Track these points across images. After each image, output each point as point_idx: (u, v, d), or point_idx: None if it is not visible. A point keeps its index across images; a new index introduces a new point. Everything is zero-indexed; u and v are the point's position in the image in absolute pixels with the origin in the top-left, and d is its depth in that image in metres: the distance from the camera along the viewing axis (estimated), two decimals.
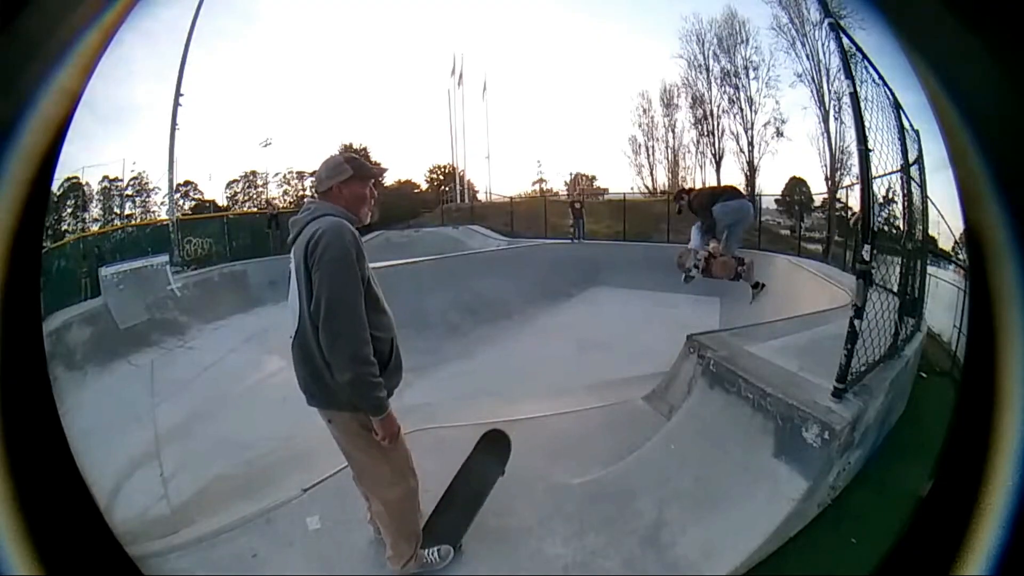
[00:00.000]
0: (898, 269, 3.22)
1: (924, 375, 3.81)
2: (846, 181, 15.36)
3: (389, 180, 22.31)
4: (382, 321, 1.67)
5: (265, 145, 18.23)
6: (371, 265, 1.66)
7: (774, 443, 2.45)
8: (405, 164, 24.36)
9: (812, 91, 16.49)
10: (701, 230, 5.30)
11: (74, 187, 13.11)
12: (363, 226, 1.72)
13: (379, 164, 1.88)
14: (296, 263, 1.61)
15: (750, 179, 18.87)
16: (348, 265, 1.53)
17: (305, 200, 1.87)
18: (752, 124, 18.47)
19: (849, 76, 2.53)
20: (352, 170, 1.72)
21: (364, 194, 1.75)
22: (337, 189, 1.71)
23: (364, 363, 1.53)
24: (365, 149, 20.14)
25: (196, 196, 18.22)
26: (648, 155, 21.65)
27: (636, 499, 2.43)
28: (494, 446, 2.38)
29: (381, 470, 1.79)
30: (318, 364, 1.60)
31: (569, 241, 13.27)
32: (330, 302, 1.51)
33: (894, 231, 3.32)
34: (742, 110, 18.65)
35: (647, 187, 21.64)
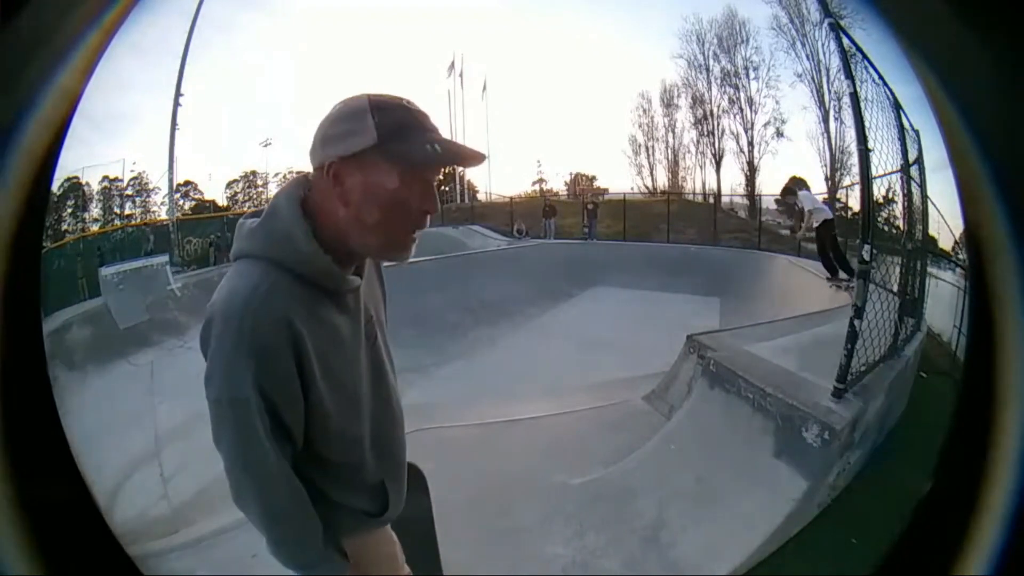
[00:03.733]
0: (898, 269, 3.23)
1: (924, 375, 3.81)
2: (846, 181, 15.40)
3: None
4: (360, 469, 0.91)
5: (265, 145, 18.29)
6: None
7: (774, 443, 2.45)
8: None
9: (812, 91, 16.57)
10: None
11: (74, 187, 13.13)
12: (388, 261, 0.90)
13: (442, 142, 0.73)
14: None
15: (750, 179, 18.93)
16: (234, 419, 0.75)
17: (287, 183, 0.80)
18: (752, 124, 18.55)
19: (849, 76, 2.53)
20: (371, 136, 0.72)
21: (386, 197, 0.75)
22: (330, 174, 0.75)
23: (277, 551, 0.85)
24: None
25: (196, 196, 18.27)
26: (648, 155, 21.76)
27: (636, 499, 2.43)
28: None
29: None
30: None
31: (584, 240, 13.67)
32: (232, 474, 0.81)
33: (894, 231, 3.32)
34: (742, 110, 18.73)
35: (647, 187, 21.72)
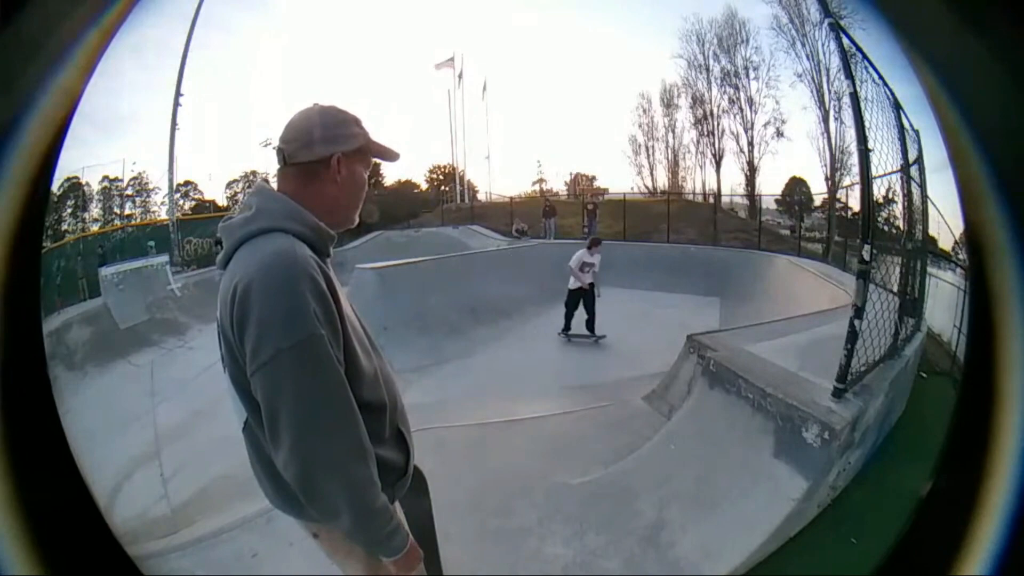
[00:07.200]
0: (898, 269, 3.23)
1: (924, 375, 3.81)
2: (846, 181, 15.40)
3: (389, 180, 22.38)
4: (383, 410, 1.01)
5: (265, 145, 18.26)
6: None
7: (774, 443, 2.45)
8: (405, 164, 24.44)
9: (812, 91, 16.54)
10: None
11: (74, 187, 13.13)
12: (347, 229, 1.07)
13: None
14: (221, 326, 0.88)
15: (750, 179, 18.93)
16: (312, 358, 0.82)
17: (254, 186, 0.99)
18: (752, 124, 18.53)
19: (849, 76, 2.53)
20: (363, 138, 1.00)
21: (364, 181, 1.04)
22: (333, 166, 0.96)
23: (361, 496, 0.89)
24: None
25: (196, 196, 18.27)
26: (648, 155, 21.74)
27: (636, 499, 2.43)
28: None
29: None
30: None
31: (584, 240, 13.63)
32: (297, 440, 0.83)
33: (894, 231, 3.32)
34: (742, 110, 18.71)
35: (647, 187, 21.72)
